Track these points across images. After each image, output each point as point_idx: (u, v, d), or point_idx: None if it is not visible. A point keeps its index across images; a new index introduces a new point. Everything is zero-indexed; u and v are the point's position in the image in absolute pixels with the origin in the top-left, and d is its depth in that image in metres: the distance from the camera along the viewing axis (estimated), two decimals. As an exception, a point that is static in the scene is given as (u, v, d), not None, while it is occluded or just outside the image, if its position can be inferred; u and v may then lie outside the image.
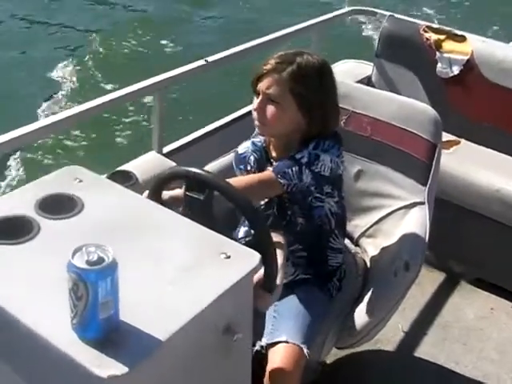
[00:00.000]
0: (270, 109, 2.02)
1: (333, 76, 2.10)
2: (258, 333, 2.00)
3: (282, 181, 1.99)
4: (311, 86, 2.04)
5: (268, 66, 2.02)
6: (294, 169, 1.99)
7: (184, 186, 1.85)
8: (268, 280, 1.72)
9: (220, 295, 1.36)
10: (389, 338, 2.87)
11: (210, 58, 2.85)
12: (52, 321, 1.27)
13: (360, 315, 2.19)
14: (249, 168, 2.19)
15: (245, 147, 2.23)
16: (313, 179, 2.01)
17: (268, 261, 1.70)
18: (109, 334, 1.24)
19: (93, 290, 1.18)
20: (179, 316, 1.30)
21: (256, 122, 2.06)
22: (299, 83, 2.01)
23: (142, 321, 1.27)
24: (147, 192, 1.89)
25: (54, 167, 1.75)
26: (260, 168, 2.17)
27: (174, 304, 1.33)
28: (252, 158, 2.20)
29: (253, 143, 2.22)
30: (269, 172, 2.05)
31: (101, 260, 1.19)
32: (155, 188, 1.90)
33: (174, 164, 2.50)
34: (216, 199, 1.83)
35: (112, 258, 1.20)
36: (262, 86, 2.02)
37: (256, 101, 2.04)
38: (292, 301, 2.12)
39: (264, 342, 1.99)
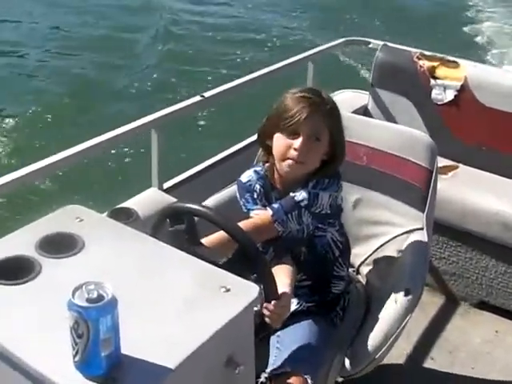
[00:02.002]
0: (313, 147, 2.07)
1: None
2: (263, 364, 2.01)
3: (278, 228, 2.09)
4: (339, 121, 2.15)
5: (312, 107, 2.05)
6: (293, 213, 2.08)
7: (169, 223, 1.93)
8: (266, 289, 1.76)
9: (220, 328, 1.37)
10: (395, 364, 2.87)
11: (207, 94, 2.87)
12: (55, 360, 1.28)
13: (363, 343, 2.19)
14: (255, 196, 2.21)
15: (248, 176, 2.25)
16: (313, 219, 2.11)
17: (258, 265, 1.78)
18: (111, 370, 1.25)
19: (94, 328, 1.20)
20: (181, 350, 1.31)
21: (291, 162, 2.08)
22: (334, 120, 2.11)
23: (144, 356, 1.28)
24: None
25: (52, 208, 1.76)
26: (266, 195, 2.20)
27: (175, 339, 1.34)
28: (257, 186, 2.21)
29: (255, 172, 2.24)
30: (267, 216, 2.10)
31: (101, 297, 1.21)
32: (157, 223, 1.94)
33: (174, 200, 2.52)
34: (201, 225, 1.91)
35: (111, 294, 1.22)
36: (307, 126, 2.05)
37: (292, 141, 2.06)
38: (295, 331, 2.12)
39: (268, 373, 1.99)
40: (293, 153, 2.06)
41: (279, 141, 2.10)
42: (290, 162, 2.08)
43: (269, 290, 1.77)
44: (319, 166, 2.13)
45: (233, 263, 1.77)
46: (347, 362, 2.19)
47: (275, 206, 2.11)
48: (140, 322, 1.37)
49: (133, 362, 1.28)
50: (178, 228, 1.90)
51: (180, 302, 1.44)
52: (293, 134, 2.07)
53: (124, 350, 1.28)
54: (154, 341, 1.34)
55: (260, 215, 2.14)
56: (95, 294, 1.20)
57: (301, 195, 2.09)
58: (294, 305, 2.18)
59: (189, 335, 1.35)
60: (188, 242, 1.88)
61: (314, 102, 2.06)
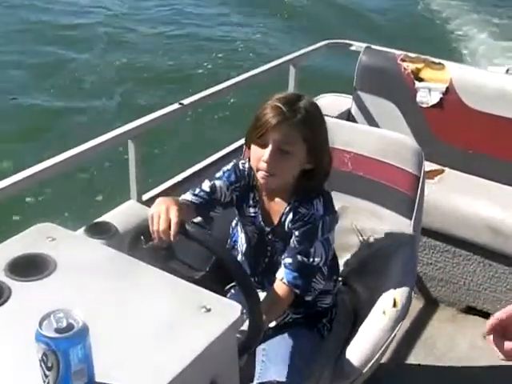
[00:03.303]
0: (283, 159, 1.97)
1: None
2: (248, 376, 1.96)
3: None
4: (317, 129, 2.03)
5: (278, 117, 1.94)
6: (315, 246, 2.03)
7: (143, 240, 1.87)
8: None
9: (202, 351, 1.32)
10: (383, 373, 2.82)
11: (186, 101, 2.80)
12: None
13: (352, 355, 2.14)
14: (225, 179, 2.13)
15: (243, 164, 2.16)
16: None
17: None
18: (85, 402, 1.19)
19: (64, 359, 1.13)
20: (161, 377, 1.25)
21: (262, 174, 1.99)
22: (309, 129, 1.98)
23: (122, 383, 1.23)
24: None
25: (23, 225, 1.69)
26: (243, 192, 2.13)
27: (154, 365, 1.29)
28: (233, 176, 2.13)
29: (250, 168, 2.14)
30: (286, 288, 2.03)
31: (70, 326, 1.14)
32: (132, 241, 1.88)
33: None
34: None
35: (82, 322, 1.15)
36: (273, 137, 1.95)
37: (263, 151, 1.97)
38: (281, 343, 2.07)
39: None
40: (262, 165, 1.98)
41: (253, 151, 2.03)
42: (261, 173, 2.00)
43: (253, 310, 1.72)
44: (301, 175, 2.05)
45: (210, 277, 1.73)
46: (337, 373, 2.14)
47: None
48: (117, 349, 1.32)
49: (110, 391, 1.21)
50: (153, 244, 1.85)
51: (159, 325, 1.39)
52: (263, 145, 1.98)
53: (100, 379, 1.22)
54: (133, 368, 1.28)
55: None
56: (64, 323, 1.14)
57: (319, 231, 2.03)
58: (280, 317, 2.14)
59: (169, 361, 1.30)
60: (165, 257, 1.83)
61: (281, 113, 1.94)
